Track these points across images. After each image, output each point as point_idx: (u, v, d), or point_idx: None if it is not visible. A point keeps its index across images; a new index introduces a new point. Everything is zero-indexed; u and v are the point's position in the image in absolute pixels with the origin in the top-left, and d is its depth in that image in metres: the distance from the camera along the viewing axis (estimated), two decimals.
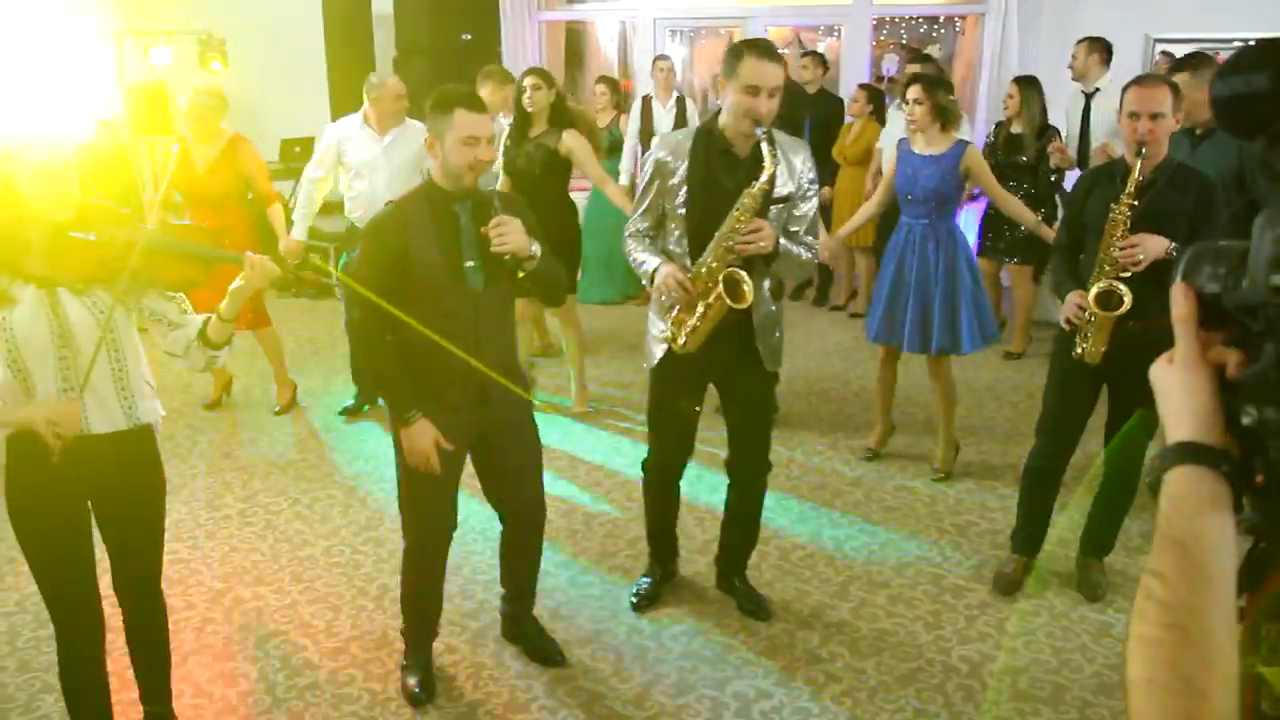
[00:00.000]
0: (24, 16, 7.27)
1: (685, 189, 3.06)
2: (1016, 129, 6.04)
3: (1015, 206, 4.81)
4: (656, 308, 3.20)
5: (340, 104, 7.58)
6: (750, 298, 2.97)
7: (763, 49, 2.97)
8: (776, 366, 3.32)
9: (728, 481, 3.51)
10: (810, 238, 3.17)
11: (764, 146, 2.93)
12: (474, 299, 2.81)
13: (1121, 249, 3.20)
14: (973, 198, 6.38)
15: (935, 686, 3.14)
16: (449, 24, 8.14)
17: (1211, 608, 0.80)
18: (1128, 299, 3.18)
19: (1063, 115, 6.25)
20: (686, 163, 3.06)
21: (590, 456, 4.87)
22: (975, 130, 7.59)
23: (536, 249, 2.79)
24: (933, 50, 9.55)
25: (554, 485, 4.11)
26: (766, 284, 3.16)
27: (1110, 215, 3.23)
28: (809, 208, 3.16)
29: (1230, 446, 0.87)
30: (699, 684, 3.16)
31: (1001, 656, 3.28)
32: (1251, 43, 0.99)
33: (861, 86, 7.24)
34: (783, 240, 3.03)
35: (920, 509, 4.33)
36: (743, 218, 2.95)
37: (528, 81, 5.02)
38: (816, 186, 3.20)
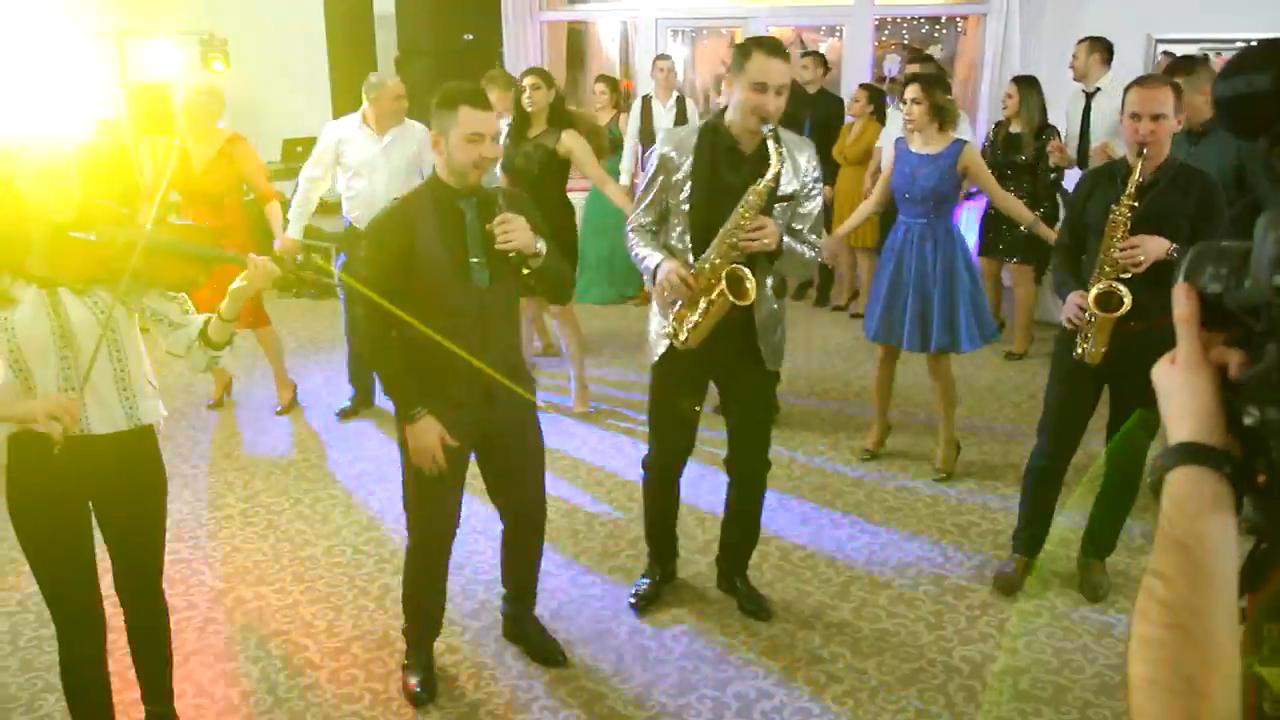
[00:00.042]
0: (26, 16, 7.28)
1: (690, 184, 3.06)
2: (1015, 128, 6.05)
3: (1013, 205, 4.82)
4: (659, 304, 3.20)
5: (342, 104, 7.59)
6: (753, 294, 2.97)
7: (771, 46, 2.98)
8: (778, 365, 3.32)
9: (728, 481, 3.51)
10: (814, 236, 3.17)
11: (770, 144, 2.93)
12: (479, 295, 2.81)
13: (1122, 250, 3.20)
14: (970, 196, 6.38)
15: (937, 687, 3.14)
16: (451, 24, 8.15)
17: (1213, 608, 0.80)
18: (1127, 300, 3.18)
19: (1064, 115, 6.25)
20: (691, 158, 3.07)
21: (592, 457, 4.87)
22: (977, 130, 7.60)
23: (541, 246, 2.79)
24: (934, 50, 9.55)
25: (555, 485, 4.12)
26: (769, 282, 3.17)
27: (1110, 216, 3.23)
28: (813, 206, 3.16)
29: (1232, 447, 0.87)
30: (700, 684, 3.16)
31: (1003, 657, 3.28)
32: (1254, 43, 0.99)
33: (862, 86, 7.25)
34: (786, 238, 3.03)
35: (922, 509, 4.32)
36: (747, 215, 2.95)
37: (527, 81, 5.02)
38: (821, 185, 3.20)
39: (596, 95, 7.32)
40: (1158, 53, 7.46)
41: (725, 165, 3.06)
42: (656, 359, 3.25)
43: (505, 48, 8.56)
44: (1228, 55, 7.14)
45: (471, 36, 8.31)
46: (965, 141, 4.42)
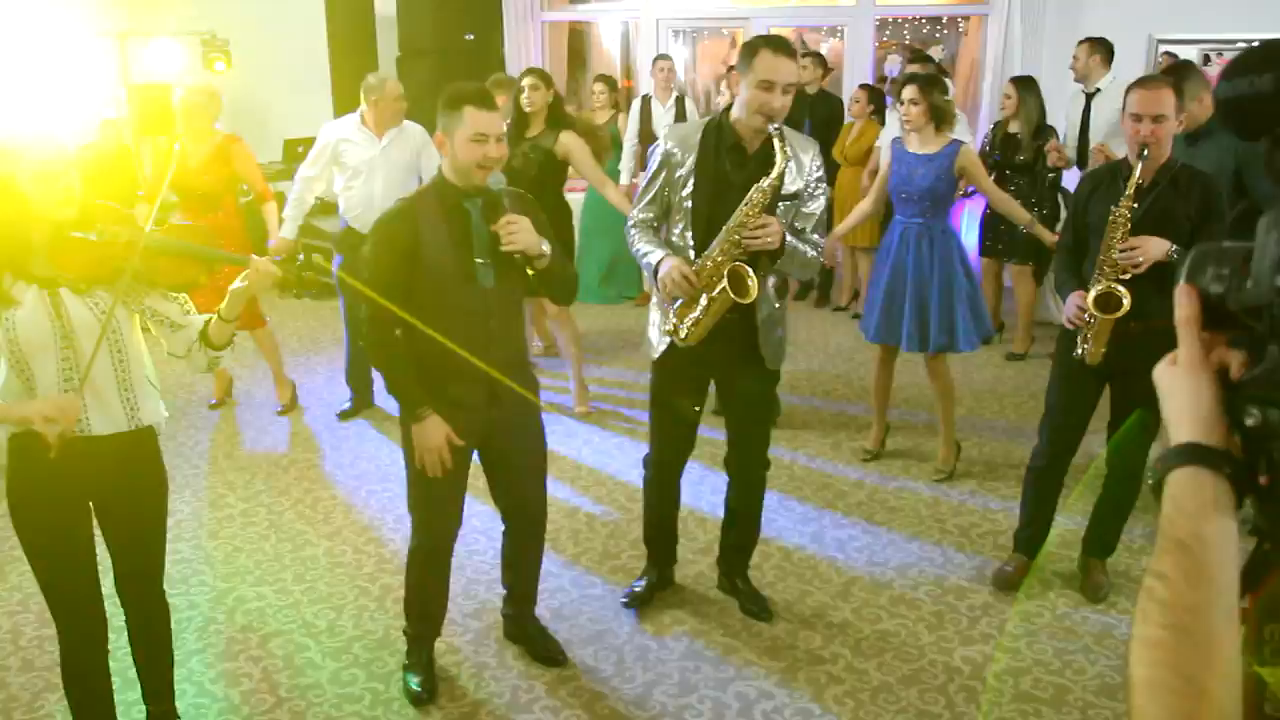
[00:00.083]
0: (28, 16, 7.28)
1: (692, 181, 3.06)
2: (1013, 129, 6.05)
3: (1010, 206, 4.83)
4: (660, 300, 3.20)
5: (343, 104, 7.59)
6: (755, 292, 2.96)
7: (778, 45, 2.98)
8: (778, 365, 3.32)
9: (728, 481, 3.51)
10: (816, 236, 3.17)
11: (775, 143, 2.93)
12: (484, 296, 2.81)
13: (1122, 251, 3.20)
14: (968, 195, 6.38)
15: (938, 687, 3.14)
16: (452, 24, 8.15)
17: (1214, 609, 0.80)
18: (1127, 301, 3.18)
19: (1064, 115, 6.25)
20: (695, 155, 3.07)
21: (593, 457, 4.87)
22: (978, 130, 7.59)
23: (547, 247, 2.79)
24: (936, 51, 9.55)
25: (556, 486, 4.12)
26: (771, 282, 3.16)
27: (1110, 217, 3.22)
28: (816, 206, 3.16)
29: (1233, 448, 0.87)
30: (701, 684, 3.16)
31: (1003, 657, 3.28)
32: (1255, 43, 0.99)
33: (862, 87, 7.24)
34: (789, 238, 3.03)
35: (923, 510, 4.32)
36: (752, 213, 2.95)
37: (526, 81, 5.01)
38: (825, 185, 3.20)
39: (595, 95, 7.32)
40: (1159, 53, 7.46)
41: (729, 163, 3.06)
42: (657, 357, 3.25)
43: (506, 48, 8.56)
44: (1229, 56, 7.14)
45: (472, 37, 8.30)
46: (962, 142, 4.42)
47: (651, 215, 3.19)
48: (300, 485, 4.59)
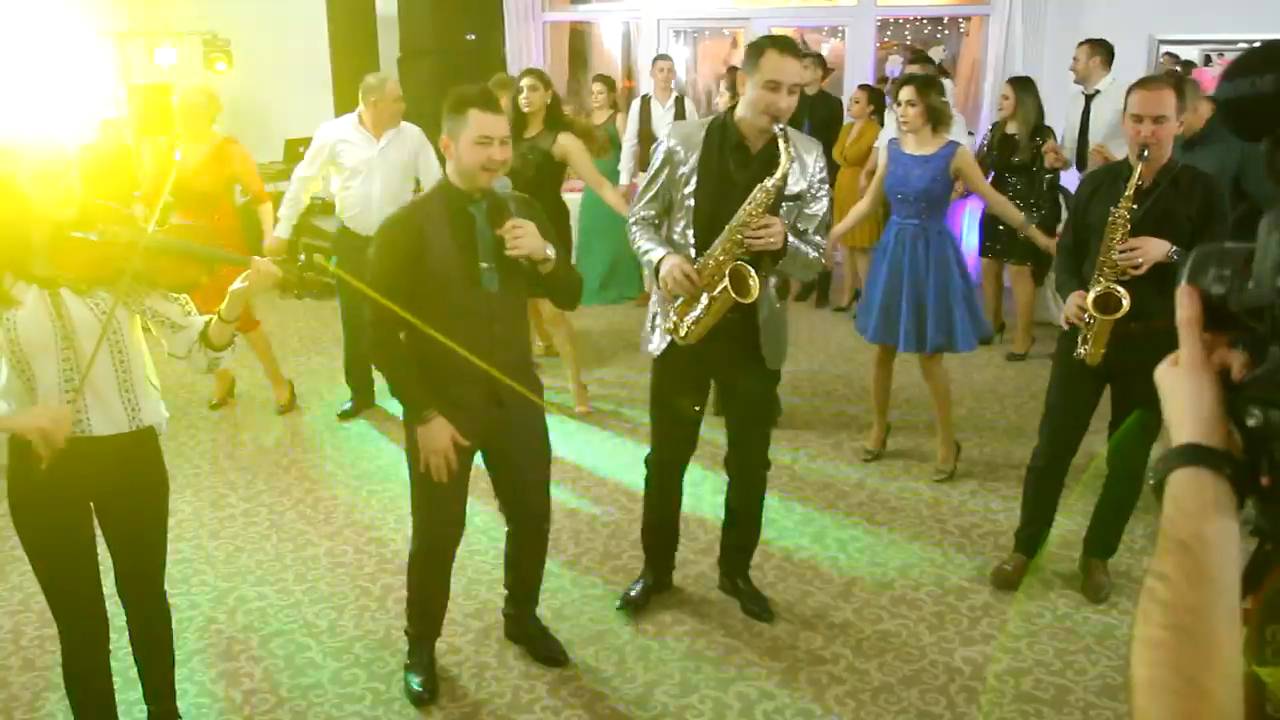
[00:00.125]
0: (29, 16, 7.29)
1: (695, 179, 3.06)
2: (1011, 129, 6.05)
3: (1004, 208, 4.85)
4: (660, 297, 3.20)
5: (345, 104, 7.59)
6: (756, 292, 2.96)
7: (785, 45, 2.99)
8: (779, 366, 3.32)
9: (728, 482, 3.51)
10: (818, 238, 3.17)
11: (780, 143, 2.93)
12: (488, 300, 2.81)
13: (1121, 252, 3.20)
14: (963, 196, 6.39)
15: (939, 688, 3.14)
16: (453, 25, 8.15)
17: (1215, 609, 0.80)
18: (1126, 302, 3.18)
19: (1064, 116, 6.25)
20: (698, 153, 3.07)
21: (594, 457, 4.87)
22: (979, 131, 7.59)
23: (552, 252, 2.79)
24: (937, 51, 9.55)
25: (557, 486, 4.10)
26: (772, 282, 3.16)
27: (1110, 218, 3.22)
28: (819, 208, 3.16)
29: (1234, 449, 0.87)
30: (702, 684, 3.16)
31: (1004, 658, 3.28)
32: (1257, 44, 0.99)
33: (862, 87, 7.25)
34: (791, 238, 3.03)
35: (924, 510, 4.32)
36: (755, 212, 2.95)
37: (524, 82, 5.01)
38: (828, 187, 3.20)
39: (594, 95, 7.33)
40: (1160, 53, 7.46)
41: (732, 162, 3.06)
42: (657, 356, 3.25)
43: (507, 48, 8.57)
44: (1230, 56, 7.14)
45: (474, 37, 8.31)
46: (958, 144, 4.43)
47: (653, 213, 3.19)
48: (301, 485, 4.59)
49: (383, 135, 5.00)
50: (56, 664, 2.75)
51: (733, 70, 6.55)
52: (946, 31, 10.21)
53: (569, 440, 5.03)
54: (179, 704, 2.92)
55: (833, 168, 7.05)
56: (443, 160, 2.89)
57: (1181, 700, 0.78)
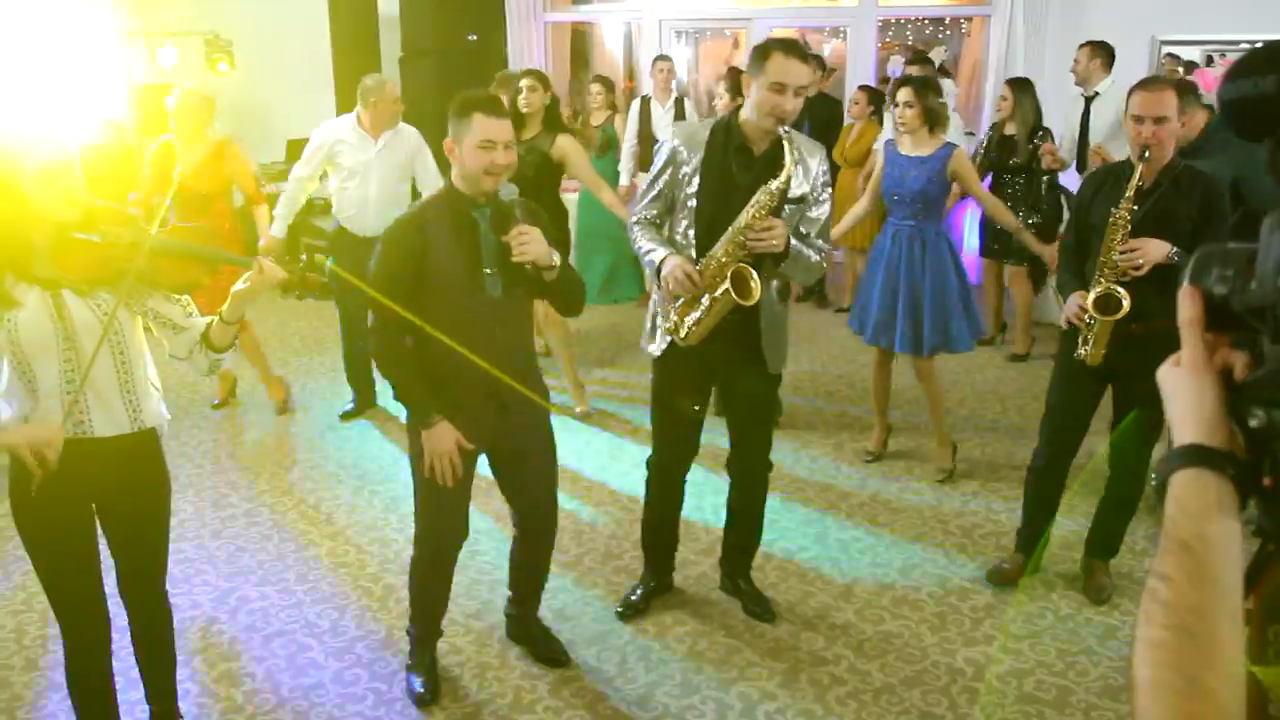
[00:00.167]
0: (31, 16, 7.29)
1: (698, 180, 3.06)
2: (1010, 130, 6.05)
3: (999, 210, 4.86)
4: (661, 297, 3.20)
5: (346, 105, 7.58)
6: (757, 294, 2.96)
7: (790, 48, 2.99)
8: (780, 368, 3.31)
9: (729, 483, 3.51)
10: (821, 241, 3.16)
11: (785, 145, 2.93)
12: (492, 305, 2.81)
13: (1122, 253, 3.20)
14: (961, 198, 6.39)
15: (940, 689, 3.14)
16: (454, 25, 8.16)
17: (1217, 610, 0.80)
18: (1126, 303, 3.18)
19: (1063, 117, 6.25)
20: (701, 154, 3.07)
21: (595, 458, 4.87)
22: (980, 132, 7.59)
23: (556, 258, 2.79)
24: (938, 52, 9.54)
25: (559, 487, 4.11)
26: (774, 284, 3.16)
27: (1111, 219, 3.22)
28: (821, 212, 3.15)
29: (1237, 449, 0.87)
30: (703, 685, 3.16)
31: (1005, 658, 3.28)
32: (1259, 44, 0.99)
33: (862, 88, 7.24)
34: (793, 241, 3.03)
35: (925, 511, 4.32)
36: (758, 214, 2.95)
37: (524, 83, 5.00)
38: (830, 190, 3.20)
39: (592, 96, 7.33)
40: (1162, 54, 7.46)
41: (735, 163, 3.06)
42: (658, 357, 3.25)
43: (509, 49, 8.57)
44: (1231, 57, 7.14)
45: (475, 37, 8.31)
46: (955, 145, 4.43)
47: (655, 213, 3.19)
48: (303, 485, 4.59)
49: (380, 136, 5.00)
50: (59, 664, 2.75)
51: (733, 71, 6.54)
52: (948, 32, 10.21)
53: (570, 441, 5.02)
54: (180, 704, 2.92)
55: (833, 169, 7.04)
56: (441, 163, 2.89)
57: (1184, 701, 0.78)
